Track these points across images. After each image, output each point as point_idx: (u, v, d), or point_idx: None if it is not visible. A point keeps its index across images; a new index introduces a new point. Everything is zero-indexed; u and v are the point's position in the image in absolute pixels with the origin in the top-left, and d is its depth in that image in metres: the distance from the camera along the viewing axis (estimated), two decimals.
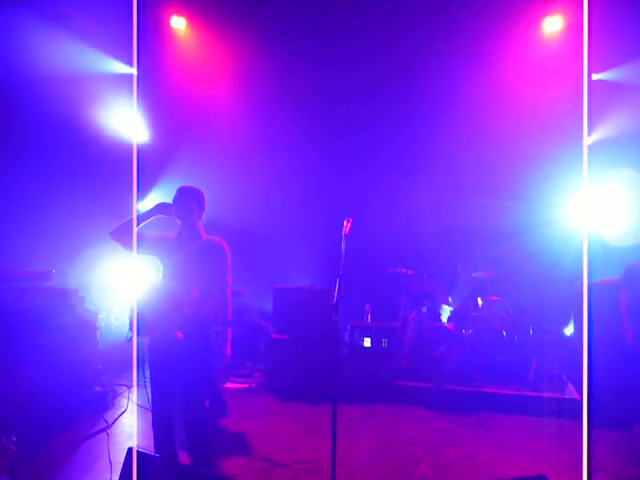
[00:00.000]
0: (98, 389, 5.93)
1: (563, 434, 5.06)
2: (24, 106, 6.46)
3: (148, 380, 3.91)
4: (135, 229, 3.81)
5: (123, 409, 5.77)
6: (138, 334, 3.74)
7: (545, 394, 6.14)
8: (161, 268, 3.94)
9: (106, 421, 5.41)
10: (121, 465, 3.15)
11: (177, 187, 3.96)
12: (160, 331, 3.69)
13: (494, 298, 7.28)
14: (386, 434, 5.34)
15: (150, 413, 3.93)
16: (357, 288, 7.60)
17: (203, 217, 3.99)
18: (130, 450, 3.28)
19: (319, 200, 8.83)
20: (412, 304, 7.48)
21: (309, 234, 8.70)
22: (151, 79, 8.36)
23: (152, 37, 8.13)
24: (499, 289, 7.43)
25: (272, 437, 5.18)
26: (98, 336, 6.17)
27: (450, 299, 7.62)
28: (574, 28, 7.44)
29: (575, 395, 6.04)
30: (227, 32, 8.44)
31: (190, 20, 8.54)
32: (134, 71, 8.13)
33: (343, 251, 3.46)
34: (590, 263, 5.30)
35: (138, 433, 5.23)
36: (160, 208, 3.93)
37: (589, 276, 5.26)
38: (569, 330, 7.11)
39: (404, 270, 7.42)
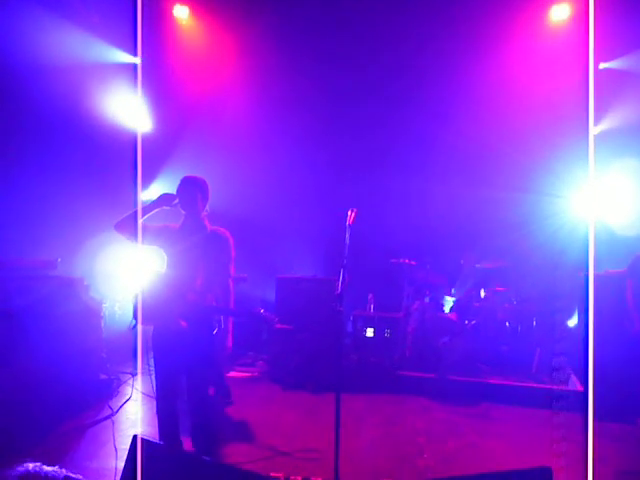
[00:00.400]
0: (103, 377, 5.97)
1: (566, 426, 5.07)
2: (29, 95, 6.45)
3: (152, 368, 3.93)
4: (139, 221, 3.81)
5: (128, 397, 5.81)
6: (142, 323, 3.75)
7: (548, 385, 6.15)
8: (165, 258, 3.94)
9: (111, 408, 5.45)
10: (126, 452, 3.17)
11: (181, 177, 3.96)
12: (163, 320, 3.70)
13: (498, 289, 7.28)
14: (389, 424, 5.36)
15: (154, 401, 3.95)
16: (360, 278, 7.60)
17: (207, 207, 3.99)
18: (135, 437, 3.31)
19: (323, 190, 8.82)
20: (415, 294, 7.48)
21: (313, 224, 8.70)
22: (154, 69, 8.34)
23: (155, 26, 8.09)
24: (503, 280, 7.43)
25: (275, 426, 5.21)
26: (103, 324, 6.20)
27: (453, 290, 7.62)
28: (581, 16, 7.36)
29: (578, 387, 6.04)
30: (231, 21, 8.39)
31: (193, 9, 8.49)
32: (137, 60, 8.11)
33: (347, 241, 3.46)
34: (595, 254, 5.29)
35: (143, 421, 5.27)
36: (164, 199, 3.92)
37: (594, 267, 5.26)
38: (573, 321, 7.10)
39: (407, 261, 7.41)
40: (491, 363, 6.86)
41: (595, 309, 5.30)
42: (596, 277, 5.77)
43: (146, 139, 8.28)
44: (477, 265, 7.47)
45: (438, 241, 7.93)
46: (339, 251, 3.52)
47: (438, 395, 6.18)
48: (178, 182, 3.93)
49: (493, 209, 7.76)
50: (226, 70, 8.69)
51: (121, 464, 2.96)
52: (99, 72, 7.49)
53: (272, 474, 3.95)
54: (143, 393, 5.95)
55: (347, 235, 3.48)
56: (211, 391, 5.40)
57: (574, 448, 4.50)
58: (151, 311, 3.72)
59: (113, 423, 5.07)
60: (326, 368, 6.45)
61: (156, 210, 3.92)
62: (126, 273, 7.31)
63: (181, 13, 8.40)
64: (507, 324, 7.16)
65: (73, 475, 1.49)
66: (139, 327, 3.76)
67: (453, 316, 7.07)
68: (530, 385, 6.25)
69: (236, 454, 4.41)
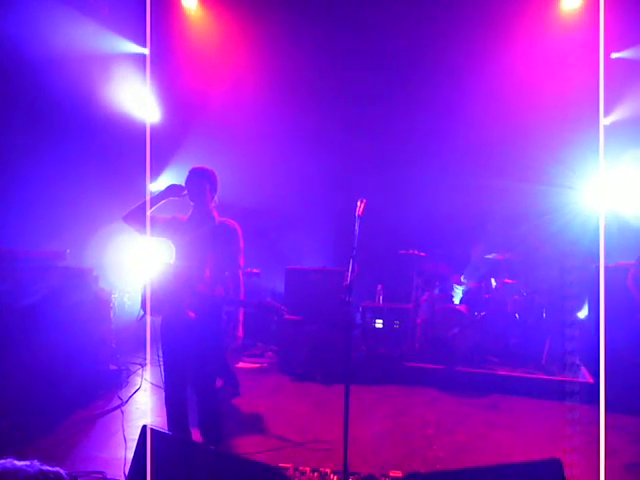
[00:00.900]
0: (112, 367, 6.00)
1: (576, 418, 5.05)
2: (42, 86, 6.47)
3: (161, 359, 3.94)
4: (148, 212, 3.81)
5: (137, 387, 5.84)
6: (150, 313, 3.75)
7: (558, 377, 6.13)
8: (173, 249, 3.94)
9: (120, 399, 5.48)
10: (135, 442, 3.18)
11: (189, 168, 3.95)
12: (172, 310, 3.71)
13: (507, 280, 7.24)
14: (398, 415, 5.35)
15: (163, 391, 3.97)
16: (369, 269, 7.59)
17: (215, 198, 3.98)
18: (144, 427, 3.32)
19: (332, 181, 8.80)
20: (424, 286, 7.45)
21: (322, 215, 8.68)
22: (163, 59, 8.33)
23: (163, 17, 8.07)
24: (512, 272, 7.39)
25: (284, 416, 5.22)
26: (112, 315, 6.23)
27: (463, 280, 7.58)
28: (592, 6, 7.26)
29: (589, 378, 6.01)
30: (240, 11, 8.35)
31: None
32: (146, 51, 8.11)
33: (356, 232, 3.44)
34: (606, 245, 5.24)
35: (152, 411, 5.30)
36: (172, 190, 3.92)
37: (605, 258, 5.21)
38: (583, 313, 7.06)
39: (416, 252, 7.38)
40: (501, 355, 6.85)
41: (606, 301, 5.26)
42: (607, 269, 5.73)
43: (155, 130, 8.29)
44: (487, 256, 7.43)
45: (448, 232, 7.89)
46: (348, 242, 3.50)
47: (448, 386, 6.17)
48: (187, 173, 3.93)
49: (503, 200, 7.71)
50: (235, 60, 8.66)
51: (130, 454, 2.97)
52: (109, 63, 7.49)
53: (281, 465, 3.96)
54: (152, 383, 5.99)
55: (356, 226, 3.46)
56: (219, 382, 5.42)
57: (584, 440, 4.48)
58: (160, 302, 3.73)
59: (122, 413, 5.10)
60: (335, 359, 6.45)
61: (164, 201, 3.92)
62: (135, 264, 7.33)
63: (190, 3, 8.37)
64: (517, 316, 7.12)
65: (50, 468, 1.46)
66: (148, 318, 3.77)
67: (463, 307, 7.04)
68: (540, 377, 6.22)
69: (245, 445, 4.43)
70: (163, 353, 3.92)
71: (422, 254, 7.37)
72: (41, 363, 4.56)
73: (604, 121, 7.35)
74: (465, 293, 7.38)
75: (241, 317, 3.97)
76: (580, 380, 6.02)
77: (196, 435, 3.93)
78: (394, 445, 4.57)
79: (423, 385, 6.24)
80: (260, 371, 6.86)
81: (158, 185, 8.35)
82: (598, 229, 6.85)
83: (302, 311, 6.77)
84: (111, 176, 7.39)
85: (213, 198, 3.96)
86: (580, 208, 7.60)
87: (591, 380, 5.94)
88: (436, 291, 7.40)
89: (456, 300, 7.40)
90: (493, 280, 7.37)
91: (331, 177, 8.82)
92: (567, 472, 2.27)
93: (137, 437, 2.96)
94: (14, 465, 1.42)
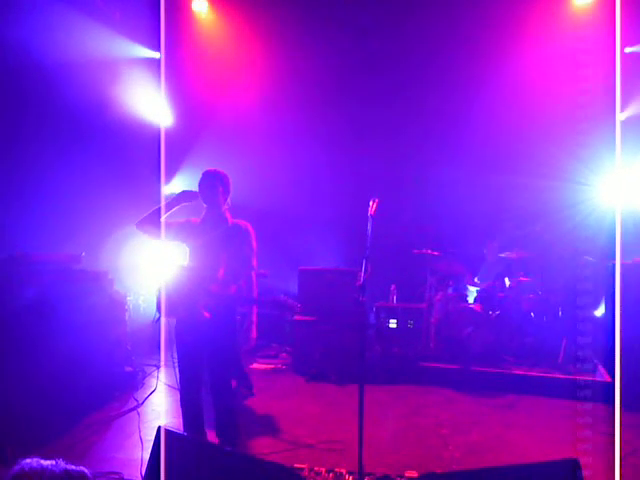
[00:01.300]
0: (128, 369, 6.04)
1: (593, 417, 4.99)
2: (57, 92, 6.54)
3: (176, 360, 3.96)
4: (162, 219, 3.84)
5: (152, 389, 5.87)
6: (165, 315, 3.78)
7: (575, 376, 6.07)
8: (187, 251, 3.97)
9: (136, 400, 5.52)
10: (151, 443, 3.20)
11: (202, 171, 3.97)
12: (187, 312, 3.73)
13: (522, 279, 7.18)
14: (413, 415, 5.34)
15: (179, 393, 3.99)
16: (383, 269, 7.57)
17: (228, 200, 4.00)
18: (159, 429, 3.34)
19: (344, 181, 8.78)
20: (438, 285, 7.42)
21: (334, 215, 8.67)
22: (174, 63, 8.38)
23: (174, 21, 8.12)
24: (527, 270, 7.33)
25: (299, 417, 5.22)
26: (127, 317, 6.27)
27: (477, 280, 7.54)
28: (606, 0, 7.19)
29: (606, 377, 5.95)
30: (251, 14, 8.38)
31: (212, 2, 8.49)
32: (158, 55, 8.17)
33: (369, 232, 3.43)
34: (623, 242, 5.18)
35: (167, 412, 5.33)
36: (185, 195, 3.95)
37: (621, 255, 5.15)
38: (599, 311, 6.99)
39: (430, 251, 7.35)
40: (516, 354, 6.79)
41: (622, 298, 5.21)
42: (623, 266, 5.66)
43: (167, 133, 8.34)
44: (501, 255, 7.37)
45: (461, 231, 7.85)
46: (361, 242, 3.50)
47: (463, 386, 6.14)
48: (199, 176, 3.95)
49: (518, 197, 7.65)
50: (246, 62, 8.69)
51: (147, 455, 2.99)
52: (122, 67, 7.56)
53: (296, 465, 3.96)
54: (168, 385, 6.02)
55: (369, 226, 3.45)
56: (233, 383, 5.43)
57: (601, 440, 4.44)
58: (174, 303, 3.75)
59: (139, 415, 5.13)
60: (349, 360, 6.45)
61: (177, 207, 3.95)
62: (150, 266, 7.38)
63: (200, 7, 8.41)
64: (532, 314, 7.07)
65: (75, 467, 1.47)
66: (162, 320, 3.79)
67: (477, 307, 6.99)
68: (556, 376, 6.17)
69: (260, 445, 4.44)
70: (178, 354, 3.94)
71: (435, 253, 7.34)
72: (58, 365, 4.61)
73: (620, 116, 7.27)
74: (479, 292, 7.33)
75: (254, 318, 3.98)
76: (597, 379, 5.96)
77: (211, 436, 3.95)
78: (409, 445, 4.55)
79: (438, 385, 6.21)
80: (274, 372, 6.87)
81: (171, 188, 8.39)
82: (614, 226, 6.78)
83: (316, 312, 6.80)
84: (124, 180, 7.45)
85: (226, 200, 3.98)
86: (596, 205, 7.52)
87: (609, 379, 5.88)
88: (450, 290, 7.37)
89: (470, 299, 7.36)
90: (507, 279, 7.32)
91: (343, 177, 8.80)
92: (585, 472, 2.25)
93: (153, 438, 2.98)
94: (40, 464, 1.44)
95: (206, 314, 3.67)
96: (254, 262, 3.99)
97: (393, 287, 7.62)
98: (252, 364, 6.97)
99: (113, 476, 3.83)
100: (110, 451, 4.29)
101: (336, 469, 3.94)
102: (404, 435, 4.78)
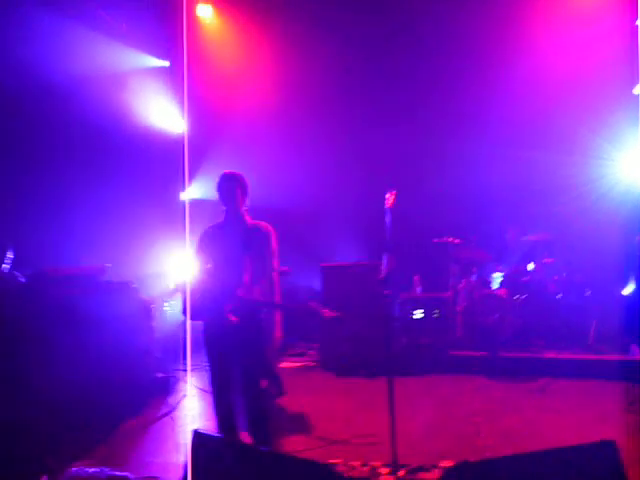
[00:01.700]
0: (160, 375, 6.12)
1: (628, 397, 4.93)
2: (73, 107, 6.65)
3: (206, 364, 4.01)
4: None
5: (185, 393, 5.94)
6: (191, 319, 3.82)
7: (607, 356, 5.99)
8: (210, 255, 4.00)
9: (170, 405, 5.58)
10: (186, 446, 3.24)
11: (219, 174, 3.99)
12: (213, 315, 3.76)
13: (547, 260, 7.09)
14: (444, 404, 5.32)
15: (211, 396, 4.03)
16: (405, 260, 7.54)
17: (247, 201, 4.02)
18: (194, 432, 3.38)
19: (361, 174, 8.77)
20: (461, 273, 7.38)
21: (353, 210, 8.67)
22: (183, 69, 8.43)
23: (179, 28, 8.17)
24: (551, 251, 7.23)
25: (330, 413, 5.24)
26: (155, 324, 6.36)
27: (500, 266, 7.47)
28: None
29: (638, 355, 5.86)
30: (255, 17, 8.39)
31: (217, 7, 8.51)
32: (166, 63, 8.24)
33: (388, 224, 3.43)
34: None
35: (201, 415, 5.39)
36: None
37: None
38: (629, 288, 6.88)
39: (451, 239, 7.31)
40: (545, 337, 6.72)
41: None
42: None
43: (182, 139, 8.41)
44: (523, 238, 7.29)
45: (482, 217, 7.77)
46: (381, 235, 3.50)
47: (493, 373, 6.10)
48: (217, 179, 3.97)
49: (538, 175, 7.54)
50: (255, 62, 8.72)
51: (183, 458, 3.04)
52: (133, 78, 7.64)
53: (331, 461, 3.98)
54: (199, 388, 6.08)
55: (387, 218, 3.45)
56: (264, 383, 5.46)
57: (637, 419, 4.38)
58: (200, 308, 3.79)
59: (173, 419, 5.19)
60: (377, 353, 6.45)
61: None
62: (173, 273, 7.45)
63: (205, 12, 8.44)
64: (559, 296, 6.98)
65: (119, 473, 1.50)
66: (188, 324, 3.83)
67: (502, 292, 6.94)
68: (588, 357, 6.10)
69: (294, 443, 4.46)
70: (208, 358, 3.98)
71: (457, 241, 7.30)
72: (92, 375, 4.68)
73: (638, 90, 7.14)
74: (504, 278, 7.27)
75: (278, 318, 4.00)
76: (630, 358, 5.88)
77: (245, 437, 3.99)
78: (442, 435, 4.54)
79: (468, 373, 6.18)
80: (303, 369, 6.90)
81: (190, 193, 8.46)
82: (637, 200, 6.67)
83: (341, 307, 6.80)
84: (143, 188, 7.54)
85: (245, 202, 3.99)
86: (618, 180, 7.40)
87: None
88: (473, 277, 7.32)
89: (495, 285, 7.30)
90: (532, 264, 7.20)
91: (358, 170, 8.78)
92: (622, 454, 2.22)
93: (187, 441, 3.02)
94: (85, 471, 1.47)
95: (233, 318, 3.70)
96: (275, 262, 4.01)
97: (416, 278, 7.59)
98: (281, 363, 7.00)
99: None
100: (147, 456, 4.36)
101: (371, 462, 3.95)
102: (437, 425, 4.77)
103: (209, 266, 3.97)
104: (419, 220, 8.11)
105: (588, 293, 6.93)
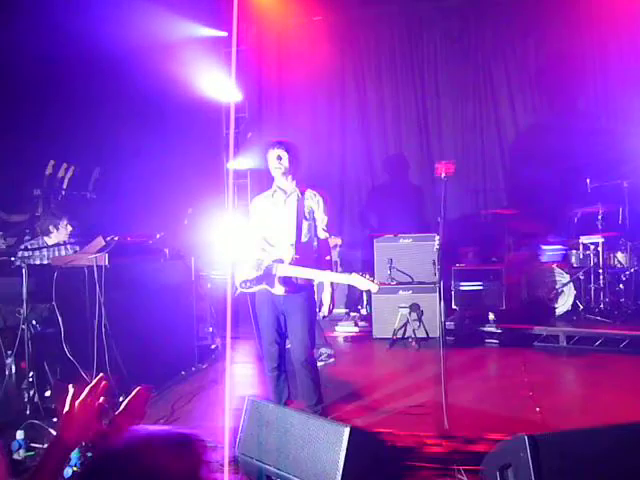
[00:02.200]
0: (210, 342, 6.26)
1: None
2: (127, 77, 6.75)
3: (257, 332, 4.06)
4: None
5: (236, 360, 6.05)
6: (244, 288, 3.87)
7: None
8: (262, 223, 4.02)
9: (218, 372, 5.68)
10: (236, 412, 3.33)
11: (271, 142, 3.98)
12: (264, 284, 3.80)
13: (604, 234, 6.78)
14: (495, 377, 5.27)
15: (262, 363, 4.09)
16: (459, 231, 7.44)
17: (298, 170, 4.00)
18: (246, 398, 3.46)
19: (414, 145, 8.64)
20: (515, 245, 7.21)
21: (406, 181, 8.58)
22: (239, 41, 8.43)
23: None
24: (608, 224, 6.87)
25: (379, 382, 5.25)
26: (206, 293, 6.48)
27: (554, 238, 7.22)
28: None
29: None
30: None
31: None
32: (222, 33, 8.23)
33: (443, 195, 3.36)
34: None
35: (251, 383, 5.49)
36: None
37: None
38: None
39: (505, 210, 7.13)
40: (601, 312, 6.49)
41: None
42: None
43: (237, 108, 8.47)
44: (577, 210, 6.96)
45: (538, 188, 7.51)
46: (435, 206, 3.44)
47: (545, 347, 5.98)
48: (267, 147, 3.97)
49: (597, 145, 7.23)
50: (314, 33, 8.65)
51: (232, 423, 3.10)
52: (186, 48, 7.66)
53: (378, 430, 3.99)
54: (250, 356, 6.19)
55: (442, 189, 3.38)
56: (314, 351, 5.52)
57: None
58: (252, 277, 3.83)
59: (223, 385, 5.29)
60: (428, 324, 6.43)
61: None
62: (224, 241, 7.53)
63: None
64: (618, 267, 6.67)
65: (180, 430, 1.53)
66: (229, 293, 3.86)
67: (557, 265, 6.74)
68: None
69: (342, 411, 4.49)
70: (259, 326, 4.04)
71: (510, 212, 7.12)
72: (145, 341, 4.82)
73: None
74: (559, 251, 7.03)
75: (329, 286, 4.00)
76: None
77: (296, 403, 4.05)
78: (492, 408, 4.48)
79: (519, 346, 6.07)
80: (354, 339, 6.93)
81: (238, 163, 8.50)
82: None
83: (393, 278, 6.81)
84: (194, 158, 7.62)
85: (295, 169, 3.97)
86: None
87: None
88: (527, 250, 7.13)
89: (548, 258, 7.08)
90: (587, 237, 6.88)
91: (412, 141, 8.65)
92: None
93: (238, 407, 3.08)
94: (147, 430, 1.50)
95: (283, 287, 3.72)
96: (327, 229, 4.00)
97: (469, 249, 7.46)
98: (332, 332, 7.04)
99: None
100: (199, 420, 4.47)
101: (418, 433, 3.94)
102: (486, 398, 4.71)
103: (260, 235, 4.00)
104: (475, 190, 7.97)
105: None
